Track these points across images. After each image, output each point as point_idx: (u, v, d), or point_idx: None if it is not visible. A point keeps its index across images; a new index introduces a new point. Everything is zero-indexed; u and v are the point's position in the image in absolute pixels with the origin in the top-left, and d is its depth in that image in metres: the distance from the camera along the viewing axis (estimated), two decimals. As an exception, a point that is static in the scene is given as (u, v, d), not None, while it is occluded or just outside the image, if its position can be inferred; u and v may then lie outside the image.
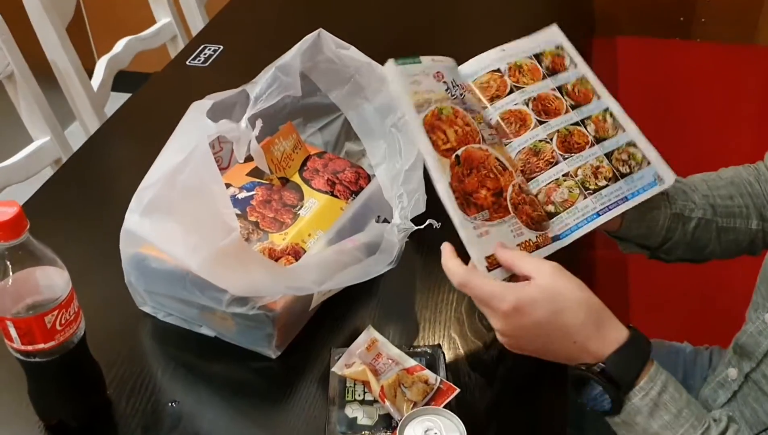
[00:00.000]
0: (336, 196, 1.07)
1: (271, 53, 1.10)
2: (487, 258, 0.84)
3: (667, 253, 1.06)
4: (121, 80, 1.87)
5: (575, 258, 0.96)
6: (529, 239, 0.87)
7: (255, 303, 0.90)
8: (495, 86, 0.98)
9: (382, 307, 1.06)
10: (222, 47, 1.68)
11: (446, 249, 0.84)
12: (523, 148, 0.94)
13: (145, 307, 1.04)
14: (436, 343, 1.00)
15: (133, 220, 0.92)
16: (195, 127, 0.97)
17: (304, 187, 1.07)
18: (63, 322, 0.82)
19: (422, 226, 0.96)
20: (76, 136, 1.68)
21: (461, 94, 0.94)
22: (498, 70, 0.99)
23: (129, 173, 1.02)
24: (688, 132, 1.95)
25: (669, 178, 0.96)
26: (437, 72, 0.93)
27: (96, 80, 1.72)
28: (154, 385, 0.96)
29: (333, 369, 0.89)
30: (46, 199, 1.30)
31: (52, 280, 0.83)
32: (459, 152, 0.88)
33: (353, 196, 1.08)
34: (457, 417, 0.79)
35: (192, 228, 0.86)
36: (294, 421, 0.93)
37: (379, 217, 1.04)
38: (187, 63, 1.63)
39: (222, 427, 0.92)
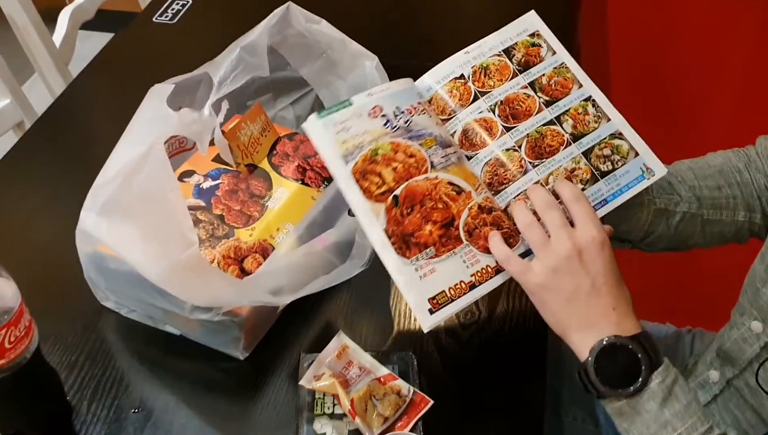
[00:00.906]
0: (307, 184, 1.01)
1: (241, 11, 1.02)
2: (431, 299, 0.79)
3: (649, 246, 1.02)
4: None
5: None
6: (487, 265, 0.82)
7: (219, 310, 0.86)
8: (458, 95, 0.91)
9: (354, 301, 1.02)
10: (190, 0, 1.58)
11: None
12: (489, 160, 0.88)
13: (107, 302, 0.99)
14: (409, 342, 0.96)
15: (89, 219, 0.87)
16: (154, 116, 0.91)
17: (273, 175, 1.02)
18: (12, 339, 0.77)
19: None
20: (37, 93, 1.60)
21: (407, 122, 0.87)
22: (461, 77, 0.92)
23: (95, 143, 0.96)
24: (681, 82, 1.87)
25: (659, 168, 0.90)
26: (374, 107, 0.86)
27: (58, 35, 1.62)
28: (117, 388, 0.92)
29: (301, 382, 0.86)
30: (8, 171, 1.24)
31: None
32: (398, 191, 0.83)
33: (325, 183, 1.02)
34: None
35: (150, 235, 0.81)
36: (264, 421, 0.90)
37: (350, 209, 0.99)
38: (154, 20, 1.53)
39: (188, 433, 0.89)
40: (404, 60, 1.22)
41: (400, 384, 0.86)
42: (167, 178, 0.79)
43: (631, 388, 0.75)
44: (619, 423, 0.78)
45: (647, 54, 1.73)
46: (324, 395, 0.86)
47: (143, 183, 0.80)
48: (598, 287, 0.76)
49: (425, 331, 0.80)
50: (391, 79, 1.01)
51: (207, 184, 1.00)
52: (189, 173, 1.01)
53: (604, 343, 0.75)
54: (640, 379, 0.75)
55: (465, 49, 0.95)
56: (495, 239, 0.82)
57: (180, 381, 0.94)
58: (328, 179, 1.03)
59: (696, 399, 0.76)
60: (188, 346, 0.96)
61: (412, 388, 0.86)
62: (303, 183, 1.01)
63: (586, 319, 0.77)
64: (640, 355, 0.75)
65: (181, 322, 0.93)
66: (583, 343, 0.77)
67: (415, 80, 0.94)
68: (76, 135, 1.33)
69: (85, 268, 0.95)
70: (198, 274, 0.78)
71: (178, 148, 1.06)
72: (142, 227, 0.81)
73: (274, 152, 1.05)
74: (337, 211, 0.99)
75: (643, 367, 0.74)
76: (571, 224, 0.79)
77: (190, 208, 0.96)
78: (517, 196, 0.86)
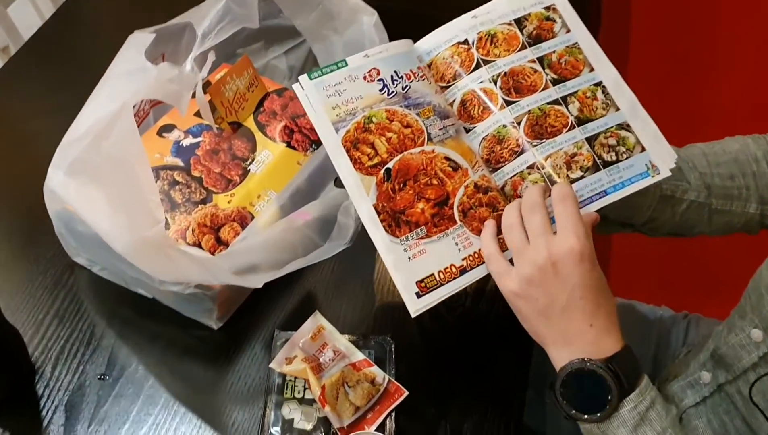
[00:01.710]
0: (293, 148, 0.96)
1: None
2: (419, 283, 0.75)
3: (652, 231, 0.97)
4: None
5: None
6: (480, 249, 0.77)
7: (190, 283, 0.81)
8: (459, 61, 0.84)
9: (337, 275, 0.97)
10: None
11: None
12: (486, 136, 0.82)
13: (78, 259, 0.95)
14: (390, 325, 0.92)
15: (57, 178, 0.82)
16: (131, 69, 0.85)
17: (258, 135, 0.96)
18: (-33, 308, 0.73)
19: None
20: (23, 16, 1.52)
21: (405, 87, 0.81)
22: (465, 42, 0.85)
23: (85, 72, 0.89)
24: (707, 33, 1.74)
25: (665, 167, 0.83)
26: (370, 70, 0.80)
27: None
28: (84, 351, 0.89)
29: (272, 365, 0.82)
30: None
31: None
32: (390, 164, 0.77)
33: (313, 147, 0.96)
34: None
35: (117, 204, 0.76)
36: (235, 393, 0.86)
37: (337, 179, 0.93)
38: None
39: (154, 403, 0.86)
40: (410, 7, 1.15)
41: (375, 371, 0.82)
42: (135, 147, 0.73)
43: (599, 413, 0.71)
44: None
45: (671, 15, 1.63)
46: (295, 378, 0.82)
47: (111, 148, 0.74)
48: (574, 302, 0.71)
49: (412, 315, 0.76)
50: (391, 34, 0.94)
51: (187, 141, 0.94)
52: (169, 128, 0.95)
53: (572, 368, 0.71)
54: (608, 406, 0.70)
55: (472, 13, 0.87)
56: (488, 231, 0.77)
57: (150, 346, 0.91)
58: (317, 142, 0.97)
59: (673, 424, 0.72)
60: (161, 308, 0.92)
61: (387, 377, 0.82)
62: (289, 145, 0.95)
63: (562, 334, 0.72)
64: (608, 382, 0.70)
65: (152, 288, 0.89)
66: (558, 358, 0.73)
67: (416, 40, 0.87)
68: (65, 62, 1.26)
69: (55, 224, 0.91)
70: (164, 252, 0.73)
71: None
72: (109, 194, 0.76)
73: (261, 109, 0.99)
74: (323, 180, 0.93)
75: (610, 396, 0.70)
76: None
77: (168, 167, 0.91)
78: (513, 176, 0.80)
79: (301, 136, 0.96)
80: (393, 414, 0.81)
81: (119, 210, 0.75)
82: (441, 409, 0.85)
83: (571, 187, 0.76)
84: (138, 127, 0.98)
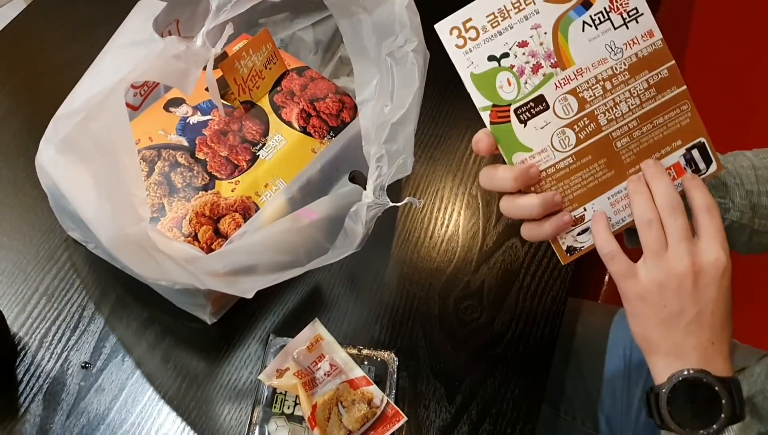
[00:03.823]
0: (309, 134, 0.88)
1: None
2: None
3: None
4: None
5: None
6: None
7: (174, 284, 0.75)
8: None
9: (344, 276, 0.90)
10: None
11: None
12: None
13: (73, 233, 0.90)
14: (396, 338, 0.85)
15: (47, 154, 0.75)
16: (135, 41, 0.77)
17: (272, 118, 0.88)
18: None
19: (399, 204, 0.78)
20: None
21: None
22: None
23: (103, 23, 0.83)
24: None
25: (715, 162, 0.73)
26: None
27: None
28: (69, 336, 0.84)
29: (260, 377, 0.76)
30: (7, 42, 1.14)
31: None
32: None
33: (331, 134, 0.89)
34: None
35: (104, 192, 0.69)
36: (224, 395, 0.81)
37: (352, 173, 0.86)
38: None
39: (137, 400, 0.81)
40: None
41: (374, 391, 0.76)
42: (123, 135, 0.66)
43: (702, 431, 0.64)
44: None
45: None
46: (286, 391, 0.76)
47: (99, 132, 0.68)
48: (703, 318, 0.64)
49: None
50: (424, 18, 0.85)
51: (195, 118, 0.87)
52: (177, 102, 0.88)
53: (688, 373, 0.64)
54: (715, 426, 0.64)
55: None
56: (601, 224, 0.68)
57: (140, 334, 0.86)
58: (335, 128, 0.89)
59: None
60: (155, 295, 0.86)
61: (386, 399, 0.76)
62: (305, 131, 0.88)
63: (679, 347, 0.65)
64: (724, 401, 0.63)
65: (143, 277, 0.83)
66: (665, 367, 0.66)
67: None
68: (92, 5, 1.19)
69: (50, 197, 0.85)
70: (147, 252, 0.67)
71: (172, 67, 0.92)
72: (96, 181, 0.69)
73: (278, 88, 0.91)
74: (338, 172, 0.86)
75: (723, 415, 0.63)
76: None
77: (171, 146, 0.84)
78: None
79: (319, 122, 0.89)
80: (388, 441, 0.74)
81: (104, 199, 0.68)
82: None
83: (711, 195, 0.67)
84: (146, 97, 0.93)
